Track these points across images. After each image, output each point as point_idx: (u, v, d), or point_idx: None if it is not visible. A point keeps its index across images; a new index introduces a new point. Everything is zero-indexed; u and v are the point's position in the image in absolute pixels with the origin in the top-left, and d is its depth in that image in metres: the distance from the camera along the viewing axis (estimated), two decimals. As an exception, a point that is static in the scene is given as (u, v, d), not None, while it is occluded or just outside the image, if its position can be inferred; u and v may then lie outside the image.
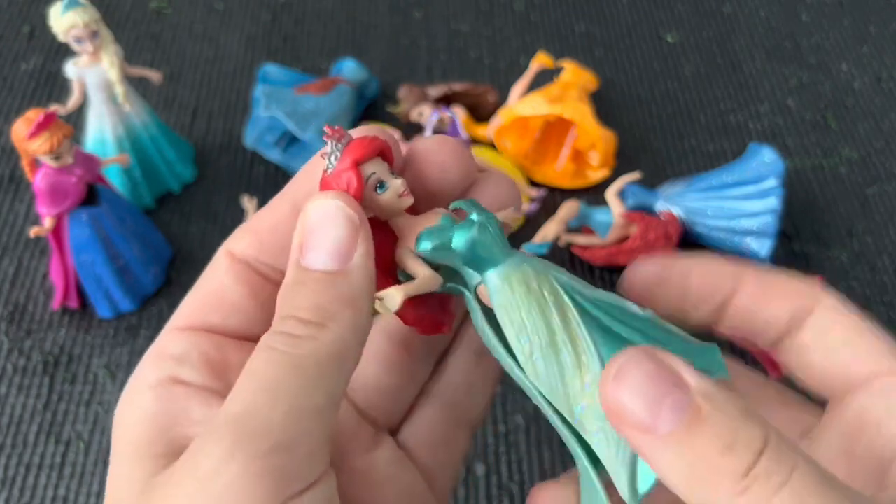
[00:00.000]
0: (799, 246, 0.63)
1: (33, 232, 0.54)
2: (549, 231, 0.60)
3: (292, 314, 0.20)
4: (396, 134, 0.68)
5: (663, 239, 0.58)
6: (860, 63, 0.77)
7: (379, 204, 0.23)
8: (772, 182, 0.59)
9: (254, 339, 0.23)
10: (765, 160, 0.60)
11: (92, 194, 0.54)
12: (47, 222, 0.53)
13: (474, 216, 0.23)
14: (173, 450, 0.20)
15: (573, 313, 0.21)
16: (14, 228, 0.63)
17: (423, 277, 0.23)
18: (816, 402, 0.25)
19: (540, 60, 0.70)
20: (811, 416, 0.24)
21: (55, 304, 0.57)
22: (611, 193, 0.61)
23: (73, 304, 0.57)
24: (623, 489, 0.20)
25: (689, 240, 0.60)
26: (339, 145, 0.23)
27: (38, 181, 0.52)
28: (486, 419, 0.53)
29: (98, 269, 0.55)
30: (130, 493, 0.20)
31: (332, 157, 0.23)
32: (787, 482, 0.16)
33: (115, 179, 0.61)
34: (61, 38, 0.56)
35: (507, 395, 0.54)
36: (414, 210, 0.24)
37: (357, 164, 0.22)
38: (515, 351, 0.22)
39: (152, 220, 0.61)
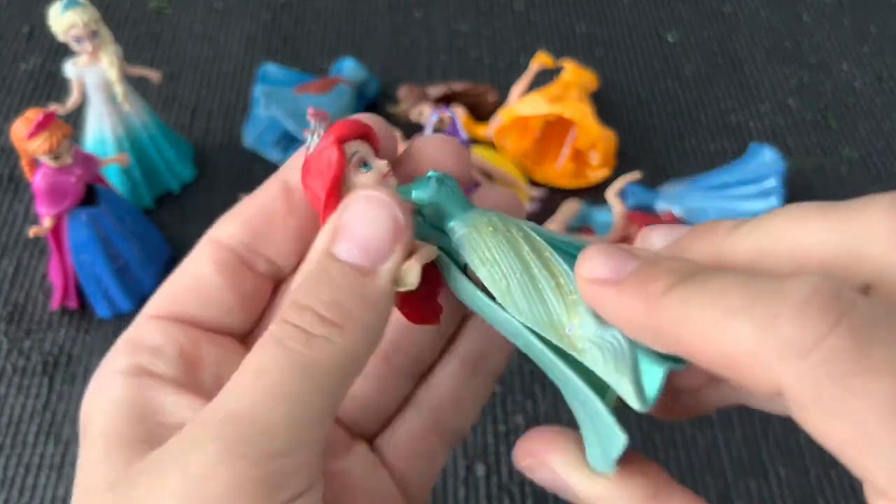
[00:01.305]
0: (799, 246, 0.63)
1: (32, 232, 0.54)
2: (550, 231, 0.60)
3: (311, 306, 0.19)
4: (397, 133, 0.68)
5: (664, 239, 0.58)
6: (861, 63, 0.77)
7: (363, 183, 0.23)
8: (772, 182, 0.59)
9: (229, 334, 0.23)
10: (765, 160, 0.60)
11: (91, 194, 0.54)
12: (46, 222, 0.53)
13: (431, 173, 0.23)
14: (150, 438, 0.20)
15: (542, 244, 0.22)
16: (13, 228, 0.63)
17: (423, 248, 0.22)
18: None
19: (540, 60, 0.70)
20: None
21: (54, 304, 0.57)
22: (611, 193, 0.61)
23: (73, 304, 0.57)
24: (629, 396, 0.19)
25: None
26: (323, 124, 0.23)
27: (38, 181, 0.51)
28: (486, 419, 0.53)
29: (97, 269, 0.55)
30: (106, 481, 0.19)
31: (315, 135, 0.23)
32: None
33: (114, 179, 0.61)
34: (61, 37, 0.56)
35: (507, 395, 0.54)
36: None
37: (340, 142, 0.22)
38: (493, 290, 0.22)
39: (152, 220, 0.61)
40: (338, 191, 0.22)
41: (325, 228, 0.20)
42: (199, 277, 0.22)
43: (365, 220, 0.20)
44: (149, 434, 0.20)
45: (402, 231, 0.20)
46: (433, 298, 0.24)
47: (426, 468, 0.25)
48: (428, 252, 0.22)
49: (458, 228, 0.22)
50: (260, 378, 0.18)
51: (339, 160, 0.22)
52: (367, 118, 0.23)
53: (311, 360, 0.18)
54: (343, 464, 0.23)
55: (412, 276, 0.21)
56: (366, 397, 0.24)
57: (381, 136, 0.23)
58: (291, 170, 0.23)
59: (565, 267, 0.21)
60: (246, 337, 0.24)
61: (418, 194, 0.22)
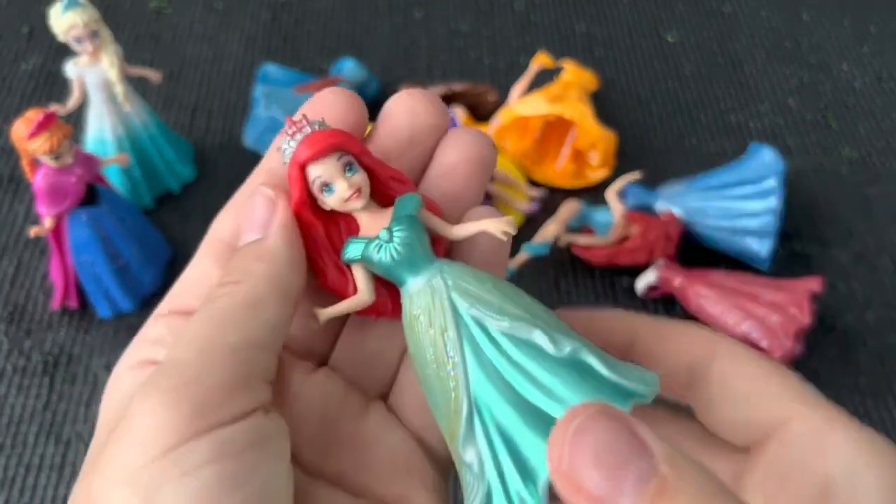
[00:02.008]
0: (799, 246, 0.63)
1: (33, 232, 0.54)
2: (549, 231, 0.60)
3: (216, 281, 0.22)
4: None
5: (663, 239, 0.58)
6: (861, 63, 0.77)
7: (328, 203, 0.23)
8: (772, 182, 0.59)
9: None
10: (765, 160, 0.60)
11: (91, 194, 0.54)
12: (47, 222, 0.53)
13: (383, 233, 0.23)
14: None
15: (457, 348, 0.21)
16: (14, 228, 0.63)
17: (349, 300, 0.24)
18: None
19: (540, 60, 0.70)
20: (737, 462, 0.24)
21: (55, 304, 0.57)
22: (611, 193, 0.61)
23: (73, 304, 0.57)
24: None
25: (690, 240, 0.60)
26: (293, 141, 0.23)
27: (38, 181, 0.51)
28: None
29: (98, 269, 0.55)
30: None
31: (287, 153, 0.23)
32: None
33: (114, 179, 0.61)
34: (61, 37, 0.56)
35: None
36: (391, 169, 0.24)
37: (302, 167, 0.23)
38: (413, 367, 0.23)
39: (152, 220, 0.61)
40: (302, 208, 0.23)
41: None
42: (200, 271, 0.24)
43: (250, 212, 0.23)
44: None
45: (275, 201, 0.23)
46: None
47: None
48: (353, 305, 0.23)
49: (404, 291, 0.23)
50: (177, 338, 0.21)
51: (299, 191, 0.23)
52: (334, 96, 0.24)
53: (213, 309, 0.21)
54: (358, 425, 0.24)
55: (318, 323, 0.23)
56: (372, 353, 0.25)
57: (346, 113, 0.24)
58: (275, 152, 0.25)
59: (464, 395, 0.21)
60: None
61: (368, 256, 0.23)
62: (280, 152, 0.24)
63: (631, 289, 0.59)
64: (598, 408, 0.16)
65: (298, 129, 0.23)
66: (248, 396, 0.20)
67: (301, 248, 0.23)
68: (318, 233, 0.24)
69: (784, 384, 0.23)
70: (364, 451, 0.24)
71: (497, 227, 0.23)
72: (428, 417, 0.24)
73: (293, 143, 0.23)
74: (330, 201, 0.23)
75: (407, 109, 0.25)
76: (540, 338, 0.21)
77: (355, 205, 0.23)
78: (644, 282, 0.58)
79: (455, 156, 0.25)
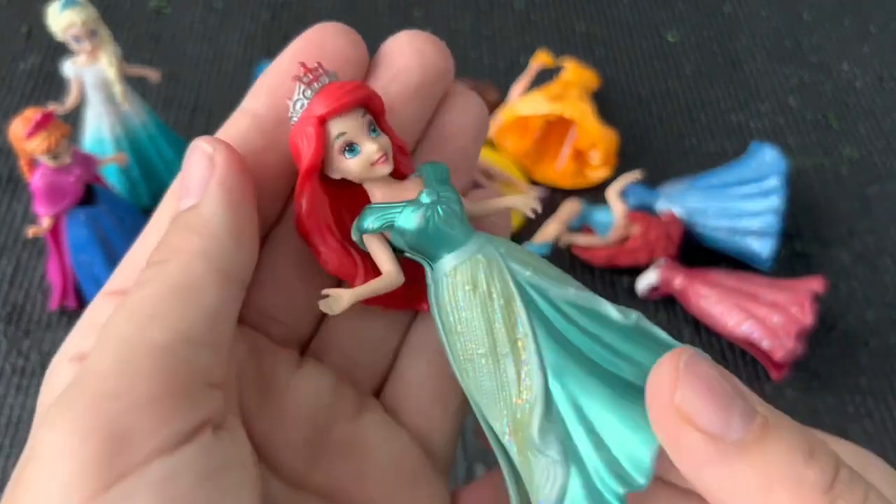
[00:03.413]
0: (800, 246, 0.63)
1: (31, 232, 0.53)
2: (550, 231, 0.60)
3: (144, 263, 0.18)
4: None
5: (664, 239, 0.58)
6: (861, 62, 0.77)
7: (348, 168, 0.20)
8: (773, 182, 0.59)
9: None
10: (766, 160, 0.60)
11: (90, 194, 0.54)
12: (45, 222, 0.53)
13: (424, 196, 0.20)
14: None
15: (524, 320, 0.19)
16: (12, 228, 0.62)
17: (378, 280, 0.20)
18: None
19: (540, 59, 0.69)
20: None
21: (53, 304, 0.57)
22: (612, 193, 0.60)
23: (71, 304, 0.57)
24: None
25: (691, 240, 0.60)
26: (309, 91, 0.19)
27: (36, 181, 0.51)
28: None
29: (96, 269, 0.55)
30: None
31: (298, 105, 0.20)
32: (868, 497, 0.16)
33: (113, 179, 0.61)
34: (59, 36, 0.55)
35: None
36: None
37: (322, 122, 0.19)
38: (450, 360, 0.20)
39: (151, 220, 0.61)
40: (314, 174, 0.20)
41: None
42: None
43: (188, 168, 0.19)
44: None
45: (212, 157, 0.19)
46: (418, 282, 0.21)
47: (441, 417, 0.23)
48: (381, 287, 0.20)
49: (438, 269, 0.20)
50: (99, 337, 0.17)
51: (316, 149, 0.19)
52: (328, 33, 0.20)
53: (130, 300, 0.17)
54: (355, 427, 0.21)
55: (336, 307, 0.20)
56: (368, 338, 0.22)
57: (345, 52, 0.20)
58: (257, 97, 0.21)
59: (536, 361, 0.18)
60: None
61: (403, 222, 0.20)
62: (289, 104, 0.20)
63: (631, 289, 0.59)
64: (695, 352, 0.17)
65: (315, 77, 0.20)
66: (186, 411, 0.16)
67: (247, 213, 0.19)
68: (324, 207, 0.20)
69: None
70: (362, 459, 0.21)
71: (524, 202, 0.21)
72: (434, 416, 0.22)
73: (308, 94, 0.19)
74: (352, 164, 0.20)
75: (415, 50, 0.21)
76: (607, 306, 0.19)
77: (383, 170, 0.20)
78: (645, 282, 0.58)
79: (461, 118, 0.22)
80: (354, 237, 0.20)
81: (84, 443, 0.15)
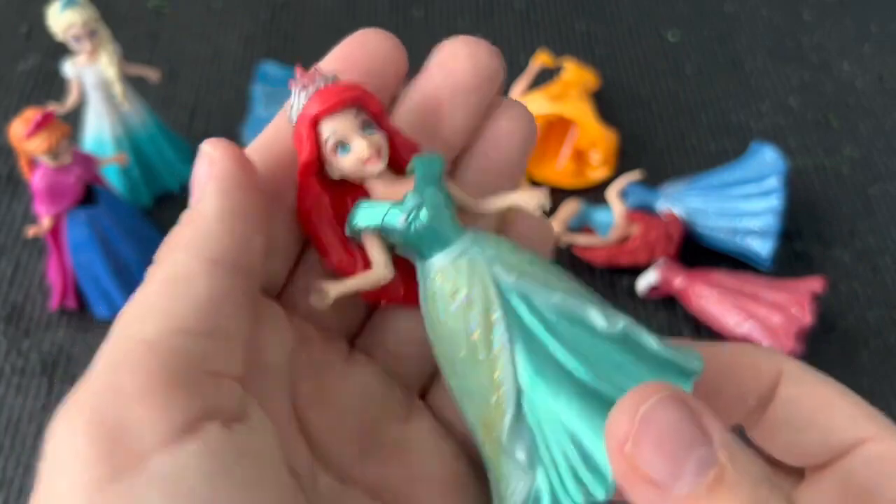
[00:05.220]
0: (801, 246, 0.63)
1: (31, 232, 0.53)
2: (550, 231, 0.60)
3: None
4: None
5: (665, 239, 0.58)
6: (862, 62, 0.77)
7: (342, 167, 0.20)
8: (773, 181, 0.59)
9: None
10: (766, 159, 0.60)
11: (90, 194, 0.54)
12: (45, 222, 0.53)
13: (408, 199, 0.20)
14: None
15: (501, 330, 0.19)
16: (12, 228, 0.62)
17: (365, 275, 0.20)
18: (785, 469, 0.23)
19: (540, 59, 0.69)
20: (783, 481, 0.23)
21: (53, 304, 0.57)
22: (612, 193, 0.60)
23: (71, 304, 0.57)
24: None
25: (691, 240, 0.60)
26: (304, 94, 0.20)
27: (36, 181, 0.51)
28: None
29: (96, 270, 0.55)
30: None
31: (294, 111, 0.20)
32: None
33: (113, 179, 0.61)
34: (59, 36, 0.55)
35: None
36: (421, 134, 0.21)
37: (315, 122, 0.20)
38: (433, 348, 0.20)
39: (151, 220, 0.61)
40: (311, 173, 0.20)
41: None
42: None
43: (194, 172, 0.20)
44: None
45: (213, 161, 0.20)
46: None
47: None
48: (366, 282, 0.20)
49: (427, 267, 0.20)
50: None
51: (309, 151, 0.20)
52: (370, 39, 0.21)
53: (131, 304, 0.18)
54: (406, 430, 0.22)
55: (321, 302, 0.20)
56: (418, 337, 0.22)
57: (385, 59, 0.21)
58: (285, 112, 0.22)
59: (511, 377, 0.18)
60: (280, 294, 0.22)
61: (390, 220, 0.20)
62: (287, 108, 0.21)
63: (631, 289, 0.59)
64: (666, 391, 0.16)
65: (310, 80, 0.20)
66: (184, 401, 0.16)
67: (240, 199, 0.19)
68: (324, 204, 0.21)
69: (855, 406, 0.22)
70: (412, 462, 0.21)
71: (530, 200, 0.20)
72: None
73: (304, 97, 0.20)
74: (344, 163, 0.20)
75: (468, 55, 0.22)
76: (593, 314, 0.19)
77: (373, 168, 0.20)
78: (645, 282, 0.58)
79: (510, 126, 0.22)
80: (347, 233, 0.21)
81: (83, 439, 0.16)
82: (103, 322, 0.57)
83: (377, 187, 0.21)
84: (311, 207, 0.21)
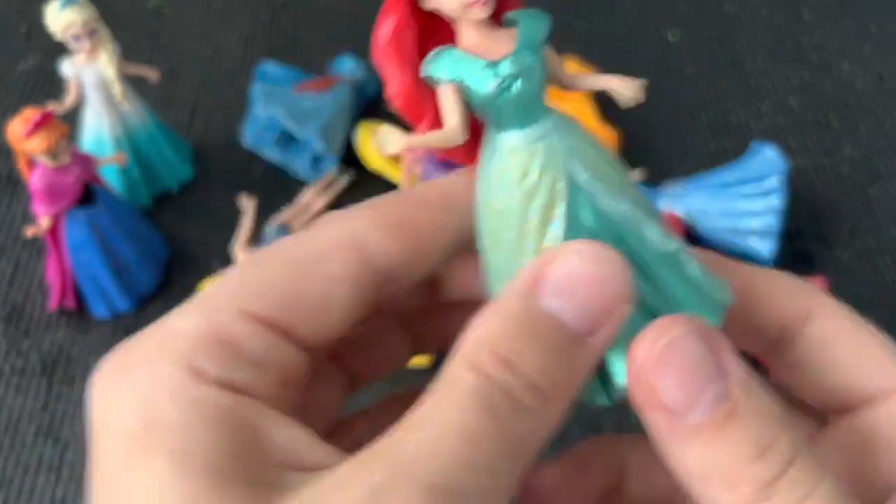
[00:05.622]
0: (801, 245, 0.63)
1: (30, 232, 0.53)
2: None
3: (521, 367, 0.16)
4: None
5: (665, 239, 0.58)
6: (862, 62, 0.77)
7: (441, 2, 0.18)
8: (774, 181, 0.59)
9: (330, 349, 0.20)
10: (767, 159, 0.60)
11: (89, 194, 0.54)
12: (44, 222, 0.53)
13: (505, 64, 0.18)
14: (259, 479, 0.16)
15: (558, 225, 0.18)
16: (11, 228, 0.62)
17: (436, 134, 0.18)
18: (809, 410, 0.23)
19: (540, 59, 0.69)
20: (806, 424, 0.22)
21: (52, 304, 0.57)
22: (612, 193, 0.60)
23: (71, 304, 0.57)
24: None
25: (692, 240, 0.60)
26: None
27: (35, 181, 0.51)
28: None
29: (95, 270, 0.55)
30: None
31: None
32: (810, 496, 0.16)
33: (112, 179, 0.60)
34: (58, 36, 0.55)
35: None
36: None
37: None
38: (478, 217, 0.19)
39: (150, 220, 0.60)
40: (403, 4, 0.18)
41: (527, 273, 0.17)
42: (328, 284, 0.18)
43: (586, 281, 0.17)
44: (257, 474, 0.16)
45: (627, 295, 0.17)
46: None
47: None
48: (438, 140, 0.18)
49: (497, 144, 0.18)
50: (468, 446, 0.15)
51: None
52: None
53: (517, 434, 0.16)
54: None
55: (385, 147, 0.19)
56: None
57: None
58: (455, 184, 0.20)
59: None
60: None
61: (475, 84, 0.18)
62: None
63: (632, 289, 0.59)
64: (694, 326, 0.17)
65: None
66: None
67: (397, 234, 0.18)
68: (409, 37, 0.19)
69: (887, 354, 0.21)
70: None
71: (629, 87, 0.19)
72: None
73: None
74: (446, 0, 0.18)
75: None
76: (649, 228, 0.18)
77: (478, 13, 0.18)
78: (645, 282, 0.58)
79: None
80: (422, 74, 0.19)
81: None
82: (102, 322, 0.57)
83: (469, 33, 0.19)
84: (394, 36, 0.19)
